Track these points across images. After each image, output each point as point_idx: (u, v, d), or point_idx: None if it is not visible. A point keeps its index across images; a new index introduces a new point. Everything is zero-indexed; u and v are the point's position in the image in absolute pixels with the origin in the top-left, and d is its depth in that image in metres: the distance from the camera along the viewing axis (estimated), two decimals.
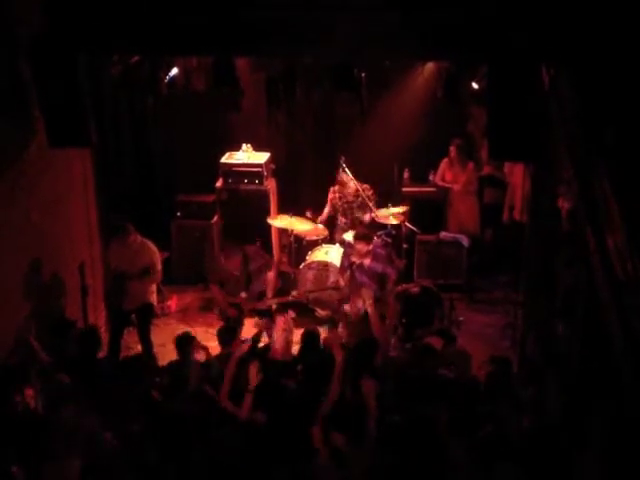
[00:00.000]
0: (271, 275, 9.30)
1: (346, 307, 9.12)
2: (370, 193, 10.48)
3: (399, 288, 9.54)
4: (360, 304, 8.72)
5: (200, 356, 7.58)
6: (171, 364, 7.48)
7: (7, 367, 6.94)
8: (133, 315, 8.99)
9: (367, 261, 8.79)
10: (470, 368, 7.24)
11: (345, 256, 9.26)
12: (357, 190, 10.38)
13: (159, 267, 8.92)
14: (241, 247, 9.22)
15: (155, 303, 9.21)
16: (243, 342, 7.42)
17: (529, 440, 5.84)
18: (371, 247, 8.81)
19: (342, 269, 9.28)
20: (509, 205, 10.84)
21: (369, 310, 8.65)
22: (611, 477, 4.89)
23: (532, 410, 6.41)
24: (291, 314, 8.71)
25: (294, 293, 9.84)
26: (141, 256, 8.76)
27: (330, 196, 10.64)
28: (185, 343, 7.43)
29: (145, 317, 9.06)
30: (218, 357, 7.46)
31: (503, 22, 7.05)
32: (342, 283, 9.28)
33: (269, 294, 9.22)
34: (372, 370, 6.78)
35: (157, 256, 8.91)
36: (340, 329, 8.99)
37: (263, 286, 9.16)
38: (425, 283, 9.91)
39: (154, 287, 9.08)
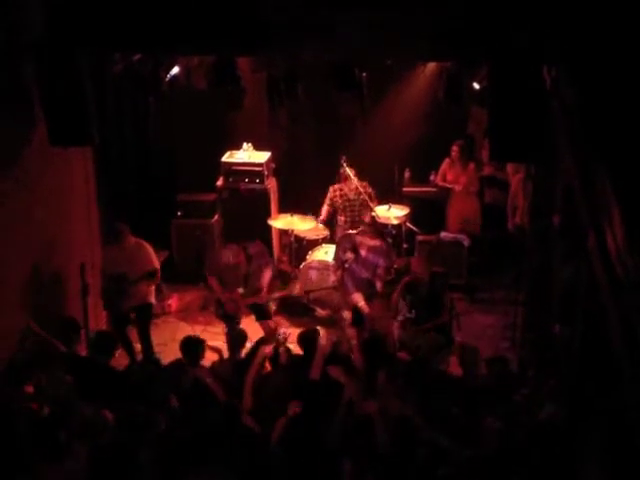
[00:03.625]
0: (268, 274, 9.29)
1: (346, 314, 9.16)
2: (370, 190, 10.50)
3: (406, 279, 9.52)
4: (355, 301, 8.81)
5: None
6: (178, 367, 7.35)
7: (13, 364, 6.94)
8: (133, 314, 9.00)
9: (363, 252, 8.87)
10: (479, 364, 7.22)
11: (340, 250, 9.30)
12: (358, 188, 10.39)
13: (158, 266, 8.96)
14: (244, 245, 9.21)
15: (154, 302, 9.21)
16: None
17: (529, 440, 5.84)
18: (377, 243, 8.93)
19: (336, 265, 9.32)
20: (512, 211, 10.75)
21: (363, 309, 8.71)
22: (612, 478, 4.90)
23: (532, 409, 6.41)
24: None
25: (297, 288, 9.84)
26: (139, 257, 8.78)
27: (330, 195, 10.65)
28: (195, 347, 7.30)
29: (144, 317, 9.06)
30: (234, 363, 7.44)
31: (504, 22, 7.05)
32: (334, 279, 9.35)
33: (265, 291, 9.21)
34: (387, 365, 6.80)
35: (154, 255, 8.96)
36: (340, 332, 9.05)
37: (261, 284, 9.16)
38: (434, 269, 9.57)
39: (153, 287, 9.10)
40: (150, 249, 8.96)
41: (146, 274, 8.70)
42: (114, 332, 8.79)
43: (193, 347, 7.27)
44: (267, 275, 9.27)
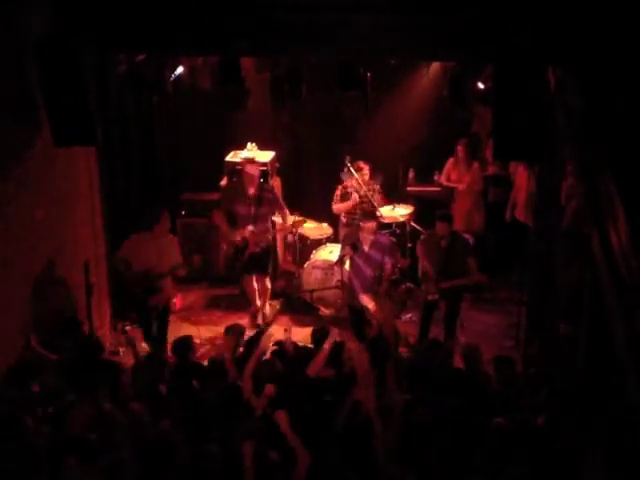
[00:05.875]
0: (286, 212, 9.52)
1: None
2: (377, 187, 10.43)
3: (403, 287, 9.53)
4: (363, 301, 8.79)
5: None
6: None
7: (19, 363, 6.94)
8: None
9: (366, 247, 8.85)
10: (481, 363, 7.22)
11: (342, 246, 9.30)
12: (363, 187, 10.32)
13: (182, 260, 9.04)
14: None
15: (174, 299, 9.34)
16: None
17: (535, 439, 5.84)
18: (379, 238, 8.91)
19: (339, 261, 9.33)
20: (512, 204, 10.78)
21: (371, 309, 8.68)
22: (615, 478, 4.90)
23: (537, 409, 6.40)
24: None
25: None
26: (169, 250, 8.77)
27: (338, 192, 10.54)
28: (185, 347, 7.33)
29: (166, 315, 9.15)
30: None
31: (508, 22, 7.05)
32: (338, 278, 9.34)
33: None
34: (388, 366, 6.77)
35: (179, 248, 9.04)
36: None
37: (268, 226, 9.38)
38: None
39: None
40: (177, 242, 9.07)
41: (173, 268, 8.74)
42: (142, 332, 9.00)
43: (184, 345, 7.31)
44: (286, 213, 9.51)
